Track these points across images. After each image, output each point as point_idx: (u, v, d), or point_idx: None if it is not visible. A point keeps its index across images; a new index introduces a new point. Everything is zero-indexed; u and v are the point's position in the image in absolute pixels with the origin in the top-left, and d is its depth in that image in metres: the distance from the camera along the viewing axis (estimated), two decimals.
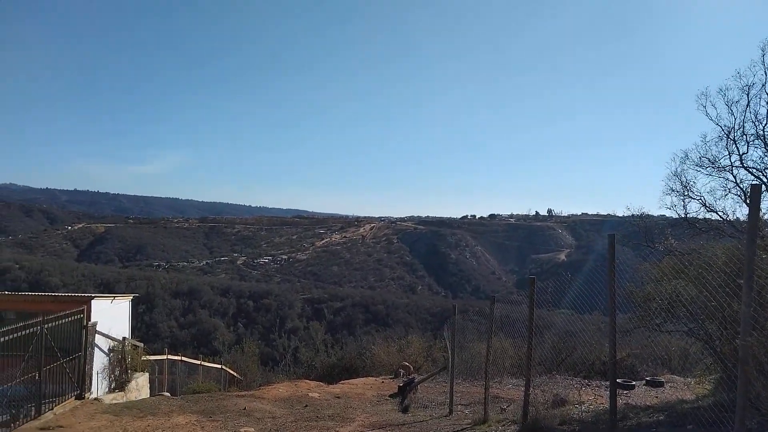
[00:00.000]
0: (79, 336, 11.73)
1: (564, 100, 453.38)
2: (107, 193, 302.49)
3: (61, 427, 9.58)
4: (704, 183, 9.63)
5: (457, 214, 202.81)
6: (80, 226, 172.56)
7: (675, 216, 9.94)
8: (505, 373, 15.17)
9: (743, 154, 9.14)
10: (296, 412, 11.65)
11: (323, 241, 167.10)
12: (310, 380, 17.31)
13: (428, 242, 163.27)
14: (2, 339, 8.75)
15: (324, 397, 13.51)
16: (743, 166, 9.15)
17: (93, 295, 13.82)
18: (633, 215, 11.15)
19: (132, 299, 16.54)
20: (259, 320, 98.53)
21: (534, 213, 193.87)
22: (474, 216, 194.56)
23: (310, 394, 13.97)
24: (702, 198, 9.53)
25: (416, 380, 14.07)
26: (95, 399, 12.15)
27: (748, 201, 6.86)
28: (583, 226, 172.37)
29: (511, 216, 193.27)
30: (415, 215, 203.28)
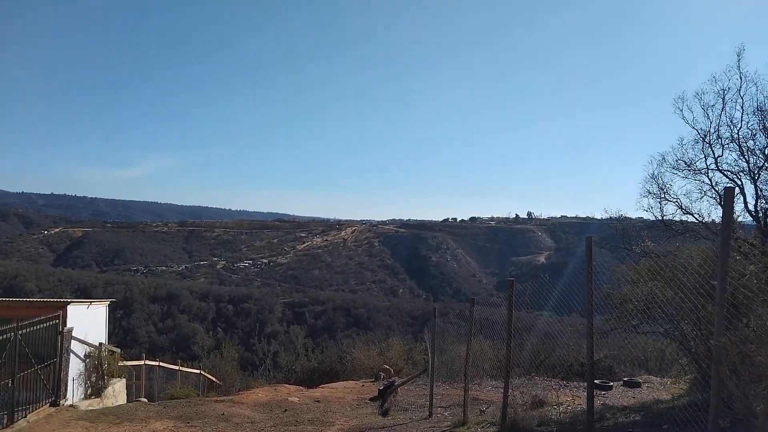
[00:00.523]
0: (54, 342, 11.54)
1: (544, 104, 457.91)
2: (85, 197, 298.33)
3: None
4: (681, 185, 9.76)
5: (439, 217, 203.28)
6: (57, 230, 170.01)
7: (652, 218, 10.06)
8: (484, 375, 15.21)
9: (718, 157, 9.29)
10: (275, 417, 11.58)
11: (304, 245, 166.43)
12: (289, 385, 17.21)
13: (409, 245, 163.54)
14: None
15: (304, 402, 13.43)
16: (718, 169, 9.29)
17: (69, 300, 13.60)
18: (611, 218, 11.26)
19: (109, 304, 16.32)
20: (238, 325, 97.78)
21: (514, 216, 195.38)
22: (455, 219, 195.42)
23: (289, 398, 13.89)
24: (678, 200, 9.66)
25: (396, 383, 14.07)
26: (71, 406, 11.94)
27: (722, 203, 6.97)
28: (563, 228, 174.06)
29: (492, 219, 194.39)
30: (397, 218, 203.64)
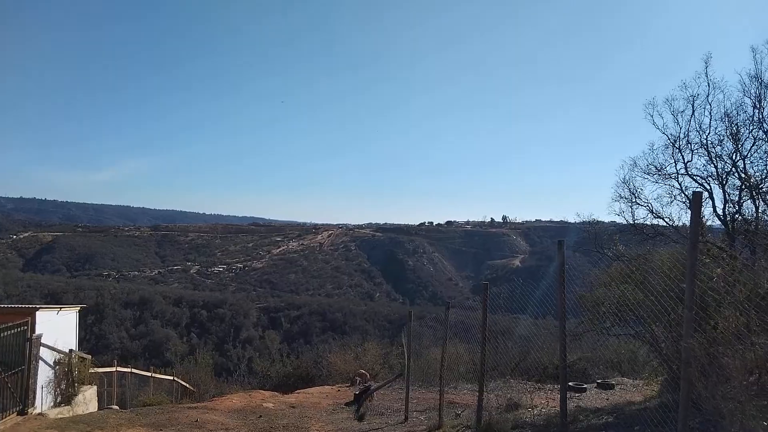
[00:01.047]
0: (22, 349, 11.29)
1: (521, 108, 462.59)
2: (55, 201, 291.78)
3: None
4: (651, 190, 9.92)
5: (415, 220, 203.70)
6: (26, 234, 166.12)
7: (623, 222, 10.22)
8: (460, 378, 15.27)
9: (688, 162, 9.46)
10: (250, 423, 11.47)
11: (280, 249, 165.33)
12: (264, 390, 17.07)
13: (386, 249, 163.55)
14: None
15: (279, 407, 13.33)
16: (688, 174, 9.47)
17: (38, 306, 13.33)
18: (584, 221, 11.42)
19: (80, 310, 16.02)
20: (213, 330, 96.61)
21: (490, 220, 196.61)
22: (431, 223, 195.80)
23: (264, 404, 13.77)
24: (649, 204, 9.82)
25: (372, 388, 14.02)
26: (39, 414, 11.68)
27: (691, 207, 7.10)
28: (537, 232, 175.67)
29: (468, 223, 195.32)
30: (374, 222, 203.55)
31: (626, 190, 10.06)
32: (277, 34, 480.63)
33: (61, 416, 12.02)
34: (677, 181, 9.54)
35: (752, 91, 8.75)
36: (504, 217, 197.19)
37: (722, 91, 9.16)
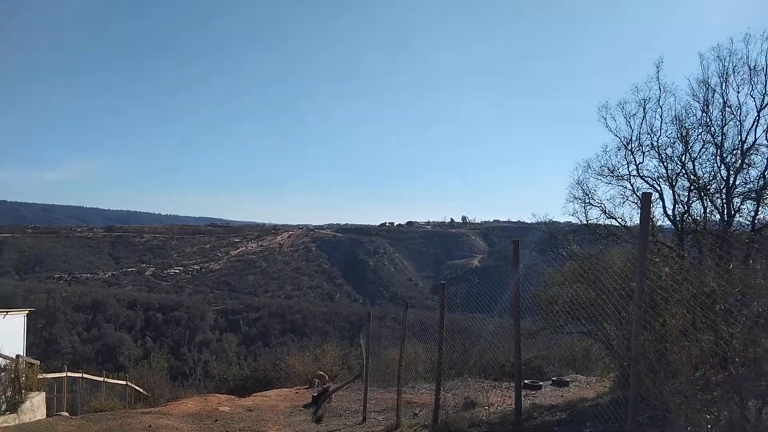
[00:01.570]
0: None
1: (481, 109, 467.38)
2: (5, 201, 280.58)
3: None
4: (604, 191, 10.11)
5: (376, 221, 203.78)
6: None
7: (577, 222, 10.42)
8: (419, 378, 15.33)
9: (640, 164, 9.67)
10: (205, 428, 11.26)
11: (238, 250, 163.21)
12: (221, 394, 16.80)
13: (347, 250, 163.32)
14: None
15: (235, 411, 13.13)
16: (640, 176, 9.68)
17: None
18: (540, 222, 11.60)
19: (28, 314, 15.51)
20: (168, 333, 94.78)
21: (450, 220, 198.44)
22: (392, 223, 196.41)
23: (220, 408, 13.54)
24: (602, 205, 10.01)
25: (331, 389, 13.96)
26: None
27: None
28: (495, 232, 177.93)
29: (428, 223, 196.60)
30: (334, 223, 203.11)
31: (580, 191, 10.24)
32: (235, 32, 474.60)
33: (6, 425, 11.59)
34: (629, 182, 9.76)
35: (700, 95, 9.02)
36: (464, 218, 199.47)
37: (673, 95, 9.41)
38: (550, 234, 10.23)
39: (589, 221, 10.13)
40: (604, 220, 10.10)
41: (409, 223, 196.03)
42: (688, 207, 9.00)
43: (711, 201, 8.77)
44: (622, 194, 9.81)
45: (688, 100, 9.19)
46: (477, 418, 8.40)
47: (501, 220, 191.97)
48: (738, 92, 8.55)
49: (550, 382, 13.06)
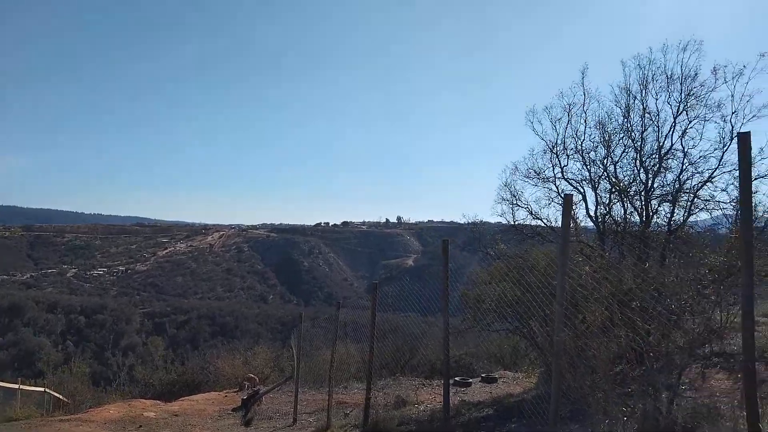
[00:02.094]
0: None
1: (415, 109, 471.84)
2: None
3: None
4: (531, 193, 10.46)
5: (311, 221, 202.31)
6: None
7: (505, 223, 10.68)
8: (351, 378, 15.31)
9: (564, 166, 10.03)
10: None
11: (166, 251, 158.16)
12: (146, 399, 16.20)
13: (281, 250, 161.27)
14: None
15: (161, 416, 12.68)
16: (564, 178, 10.04)
17: None
18: (469, 222, 11.81)
19: None
20: (92, 337, 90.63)
21: (385, 220, 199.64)
22: (327, 223, 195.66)
23: (145, 413, 13.05)
24: (529, 206, 10.32)
25: (261, 392, 13.75)
26: None
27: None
28: (429, 232, 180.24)
29: (364, 223, 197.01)
30: (268, 223, 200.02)
31: (508, 192, 10.51)
32: (181, 30, 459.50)
33: None
34: (554, 184, 10.10)
35: (622, 101, 9.44)
36: (398, 218, 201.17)
37: (597, 101, 9.80)
38: (479, 234, 10.43)
39: (517, 222, 10.42)
40: (530, 221, 10.42)
41: (345, 223, 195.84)
42: (610, 208, 9.40)
43: (631, 203, 9.19)
44: (547, 196, 10.15)
45: (611, 106, 9.62)
46: (407, 417, 8.46)
47: (435, 220, 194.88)
48: (656, 99, 9.02)
49: (480, 378, 13.30)
